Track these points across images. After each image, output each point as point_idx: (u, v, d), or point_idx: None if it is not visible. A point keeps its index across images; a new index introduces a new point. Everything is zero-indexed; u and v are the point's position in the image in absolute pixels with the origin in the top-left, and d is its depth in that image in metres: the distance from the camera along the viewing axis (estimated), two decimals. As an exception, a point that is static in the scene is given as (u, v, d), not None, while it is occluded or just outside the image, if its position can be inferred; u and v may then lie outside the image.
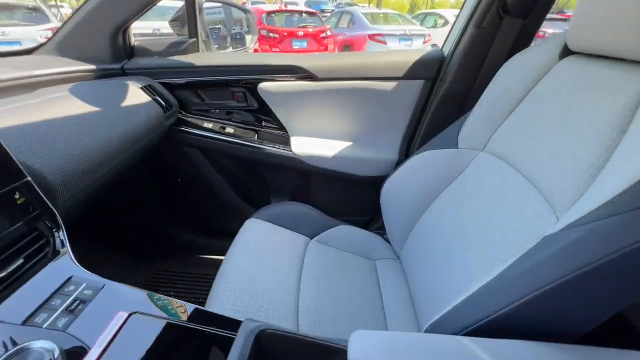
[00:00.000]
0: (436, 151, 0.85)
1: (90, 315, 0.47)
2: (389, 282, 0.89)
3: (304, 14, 6.72)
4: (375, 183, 1.07)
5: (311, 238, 0.95)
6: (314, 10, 7.38)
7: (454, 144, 0.82)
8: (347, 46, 6.84)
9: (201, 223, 1.37)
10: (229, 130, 1.16)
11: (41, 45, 1.04)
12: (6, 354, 0.38)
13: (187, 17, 1.12)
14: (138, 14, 1.00)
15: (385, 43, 6.40)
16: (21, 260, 0.49)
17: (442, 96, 1.05)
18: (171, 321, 0.47)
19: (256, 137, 1.17)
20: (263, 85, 1.08)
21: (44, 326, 0.44)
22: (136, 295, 0.52)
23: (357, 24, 6.91)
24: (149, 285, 1.25)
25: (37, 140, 0.60)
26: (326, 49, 6.27)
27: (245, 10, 1.40)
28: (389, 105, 1.10)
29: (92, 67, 0.97)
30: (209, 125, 1.13)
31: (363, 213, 1.27)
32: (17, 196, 0.50)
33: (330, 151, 1.15)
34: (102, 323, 0.46)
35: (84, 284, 0.51)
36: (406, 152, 1.17)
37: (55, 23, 5.57)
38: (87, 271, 0.54)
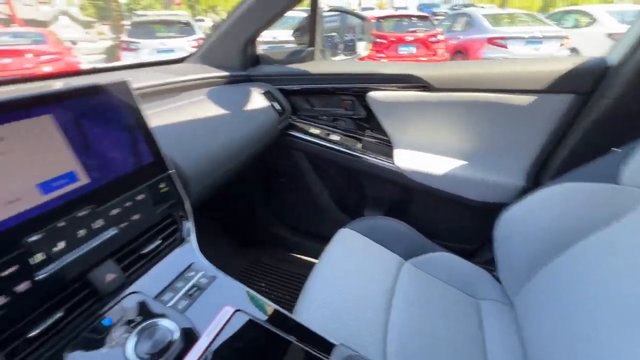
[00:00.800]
0: (585, 184, 0.68)
1: (203, 302, 0.52)
2: (496, 329, 0.75)
3: (414, 19, 6.49)
4: (489, 210, 0.93)
5: (406, 259, 0.88)
6: (425, 14, 7.05)
7: (613, 179, 0.64)
8: (460, 51, 6.31)
9: (296, 223, 1.44)
10: (334, 137, 1.17)
11: (190, 55, 1.24)
12: (141, 326, 0.44)
13: (309, 27, 1.18)
14: (266, 27, 1.09)
15: (505, 47, 5.67)
16: (159, 241, 0.57)
17: (600, 115, 0.84)
18: (268, 328, 0.48)
19: (360, 145, 1.16)
20: (372, 94, 1.05)
21: (168, 304, 0.50)
22: (239, 291, 0.55)
23: (474, 26, 6.31)
24: (244, 272, 1.37)
25: (181, 138, 0.70)
26: (435, 55, 5.91)
27: (362, 18, 1.40)
28: (520, 123, 0.94)
29: (226, 73, 1.10)
30: (316, 131, 1.17)
31: (468, 241, 1.13)
32: (161, 185, 0.58)
33: (439, 168, 1.05)
34: (211, 312, 0.50)
35: (202, 272, 0.57)
36: (535, 179, 0.98)
37: (200, 35, 6.72)
38: (206, 260, 0.60)
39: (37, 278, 0.41)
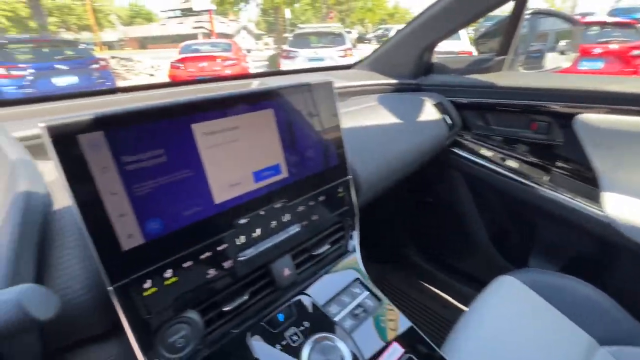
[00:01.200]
0: None
1: (368, 328, 0.47)
2: None
3: (608, 27, 5.17)
4: None
5: (601, 344, 0.65)
6: (626, 20, 5.53)
7: None
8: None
9: (433, 250, 1.29)
10: (511, 163, 0.97)
11: (359, 62, 1.26)
12: (316, 336, 0.42)
13: (506, 32, 1.02)
14: (448, 36, 1.00)
15: None
16: (328, 246, 0.56)
17: None
18: None
19: (546, 178, 0.92)
20: (585, 116, 0.81)
21: (335, 319, 0.47)
22: (406, 328, 0.48)
23: None
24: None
25: (360, 143, 0.68)
26: (636, 72, 4.56)
27: (572, 21, 1.13)
28: None
29: (394, 81, 1.06)
30: (488, 153, 1.00)
31: None
32: (339, 190, 0.57)
33: None
34: (377, 342, 0.45)
35: (367, 293, 0.52)
36: None
37: (348, 45, 7.16)
38: (369, 280, 0.55)
39: (238, 259, 0.43)
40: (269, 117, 0.46)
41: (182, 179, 0.37)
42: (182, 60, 6.77)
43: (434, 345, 0.46)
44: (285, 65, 7.08)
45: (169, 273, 0.37)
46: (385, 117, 0.81)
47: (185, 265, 0.38)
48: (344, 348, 0.41)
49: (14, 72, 4.98)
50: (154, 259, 0.36)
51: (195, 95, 0.39)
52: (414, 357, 0.44)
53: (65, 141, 0.30)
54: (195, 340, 0.39)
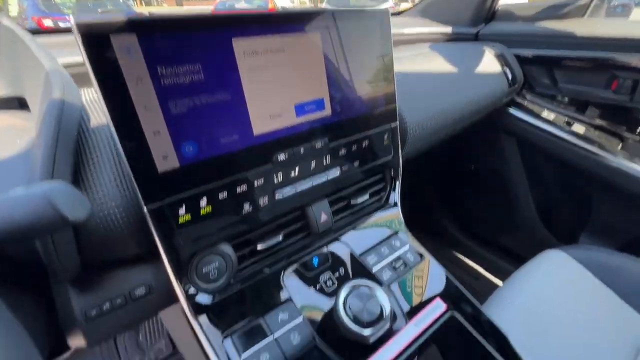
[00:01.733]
0: None
1: (409, 281, 0.44)
2: None
3: None
4: None
5: None
6: None
7: None
8: None
9: (473, 223, 1.21)
10: (578, 128, 0.85)
11: (407, 9, 1.13)
12: (353, 282, 0.40)
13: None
14: None
15: None
16: (367, 197, 0.52)
17: None
18: (477, 338, 0.37)
19: (619, 147, 0.81)
20: None
21: (373, 270, 0.44)
22: (451, 286, 0.44)
23: None
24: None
25: (408, 90, 0.61)
26: None
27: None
28: None
29: (450, 29, 0.94)
30: (550, 115, 0.88)
31: None
32: (385, 137, 0.51)
33: None
34: (417, 296, 0.42)
35: (408, 246, 0.49)
36: None
37: (390, 3, 6.68)
38: (410, 234, 0.51)
39: (275, 197, 0.40)
40: (316, 42, 0.40)
41: (220, 102, 0.34)
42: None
43: (479, 306, 0.42)
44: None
45: (203, 202, 0.35)
46: (438, 66, 0.72)
47: (220, 196, 0.36)
48: (383, 297, 0.38)
49: (61, 24, 5.16)
50: (189, 185, 0.33)
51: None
52: (457, 315, 0.40)
53: (97, 41, 0.27)
54: (228, 273, 0.38)
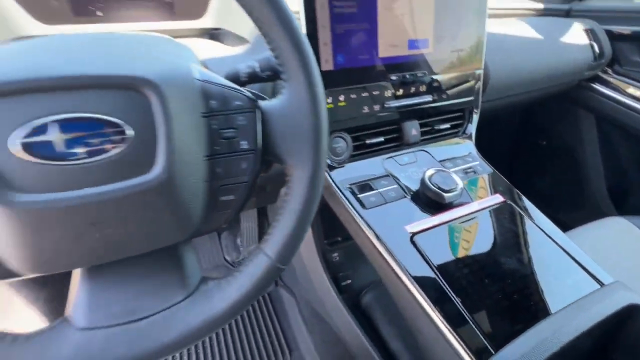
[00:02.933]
0: None
1: (476, 181, 0.58)
2: None
3: None
4: None
5: None
6: None
7: None
8: None
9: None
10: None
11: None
12: (435, 169, 0.55)
13: None
14: None
15: None
16: (448, 125, 0.66)
17: None
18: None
19: None
20: None
21: (450, 170, 0.58)
22: (509, 188, 0.57)
23: None
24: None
25: (495, 44, 0.71)
26: None
27: None
28: None
29: (540, 5, 1.00)
30: (637, 92, 0.90)
31: None
32: (470, 79, 0.64)
33: None
34: (481, 190, 0.55)
35: (479, 162, 0.62)
36: None
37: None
38: (480, 155, 0.64)
39: (385, 105, 0.56)
40: (430, -7, 0.55)
41: (363, 29, 0.51)
42: None
43: (530, 204, 0.54)
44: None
45: (342, 97, 0.52)
46: (523, 32, 0.81)
47: (352, 96, 0.53)
48: (457, 178, 0.52)
49: None
50: (336, 83, 0.51)
51: None
52: (513, 204, 0.53)
53: None
54: (346, 153, 0.56)
